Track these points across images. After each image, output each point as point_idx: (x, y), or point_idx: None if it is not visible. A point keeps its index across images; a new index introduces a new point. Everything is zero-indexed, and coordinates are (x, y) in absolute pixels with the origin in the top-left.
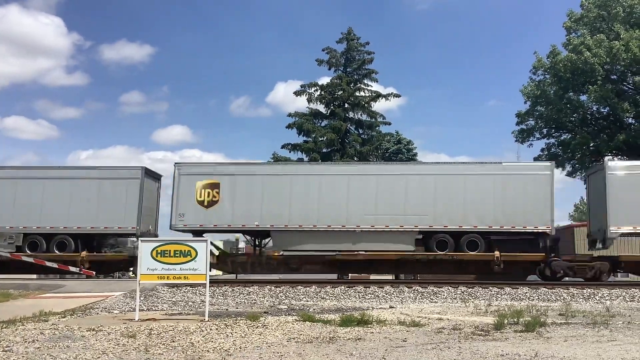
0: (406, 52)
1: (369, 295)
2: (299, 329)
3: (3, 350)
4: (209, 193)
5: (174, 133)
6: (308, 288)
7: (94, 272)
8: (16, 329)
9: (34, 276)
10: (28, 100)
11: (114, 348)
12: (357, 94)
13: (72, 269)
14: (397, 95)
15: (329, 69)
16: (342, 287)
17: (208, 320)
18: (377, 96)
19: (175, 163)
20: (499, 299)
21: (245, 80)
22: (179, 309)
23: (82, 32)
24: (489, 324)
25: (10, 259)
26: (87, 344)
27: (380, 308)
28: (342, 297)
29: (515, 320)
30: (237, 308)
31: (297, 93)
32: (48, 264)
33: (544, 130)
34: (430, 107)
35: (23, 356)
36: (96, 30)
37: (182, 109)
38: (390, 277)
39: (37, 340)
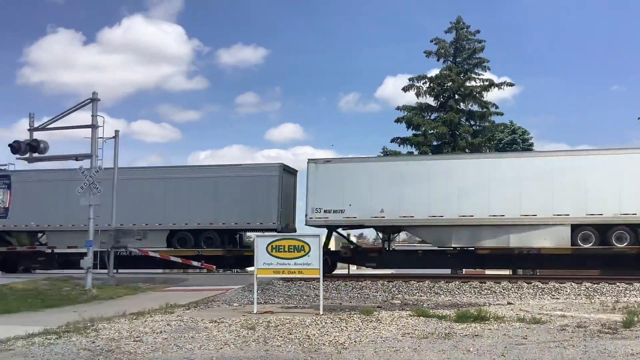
0: (520, 39)
1: (485, 290)
2: (413, 324)
3: (134, 341)
4: None
5: (286, 131)
6: (421, 283)
7: (214, 267)
8: (145, 320)
9: (160, 270)
10: (152, 105)
11: (235, 339)
12: (467, 84)
13: (194, 263)
14: (511, 84)
15: (438, 60)
16: (457, 282)
17: (323, 314)
18: (489, 85)
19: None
20: (628, 295)
21: (355, 77)
22: (294, 303)
23: (201, 39)
24: (617, 322)
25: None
26: (210, 335)
27: (498, 304)
28: (456, 293)
29: None
30: (350, 302)
31: (406, 88)
32: (172, 258)
33: None
34: (547, 95)
35: (152, 346)
36: (214, 36)
37: (293, 108)
38: (507, 272)
39: (165, 331)
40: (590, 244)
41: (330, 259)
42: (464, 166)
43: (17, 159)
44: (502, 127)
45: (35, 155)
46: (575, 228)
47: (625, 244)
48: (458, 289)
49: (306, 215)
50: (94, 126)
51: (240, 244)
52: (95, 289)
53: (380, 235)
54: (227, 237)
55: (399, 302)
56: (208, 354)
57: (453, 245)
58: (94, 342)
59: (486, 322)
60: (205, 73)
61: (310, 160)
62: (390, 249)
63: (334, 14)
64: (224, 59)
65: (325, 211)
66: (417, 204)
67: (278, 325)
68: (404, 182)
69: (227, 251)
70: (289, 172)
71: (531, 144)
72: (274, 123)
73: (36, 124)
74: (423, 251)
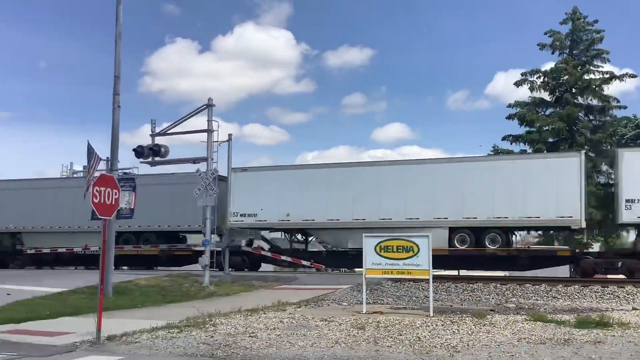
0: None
1: (608, 295)
2: (529, 329)
3: (249, 336)
4: None
5: (392, 131)
6: (537, 286)
7: (323, 266)
8: (259, 317)
9: (271, 268)
10: (262, 108)
11: (345, 338)
12: (585, 77)
13: (304, 262)
14: (633, 76)
15: (553, 53)
16: (576, 286)
17: (433, 316)
18: (609, 78)
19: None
20: None
21: (463, 73)
22: (403, 304)
23: (309, 42)
24: None
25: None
26: (321, 333)
27: (622, 309)
28: (576, 297)
29: None
30: (461, 305)
31: (518, 83)
32: (283, 258)
33: None
34: None
35: (266, 342)
36: (321, 39)
37: (400, 107)
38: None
39: (278, 328)
40: (466, 246)
41: (248, 258)
42: (358, 174)
43: (140, 162)
44: (625, 122)
45: (157, 159)
46: (454, 230)
47: (497, 246)
48: (578, 293)
49: (228, 219)
50: (209, 130)
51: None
52: (212, 285)
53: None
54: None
55: (514, 305)
56: (320, 352)
57: (350, 247)
58: (212, 336)
59: (609, 328)
60: (313, 76)
61: (232, 169)
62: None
63: (440, 10)
64: (330, 61)
65: (241, 215)
66: (317, 209)
67: (388, 326)
68: (306, 188)
69: (161, 251)
70: (222, 179)
71: None
72: (380, 123)
73: (157, 130)
74: (327, 252)
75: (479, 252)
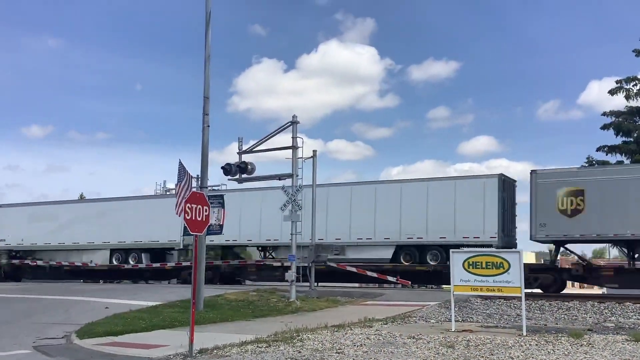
0: None
1: None
2: (631, 350)
3: (337, 352)
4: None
5: (479, 144)
6: (638, 305)
7: (410, 282)
8: (346, 333)
9: (357, 285)
10: (346, 124)
11: (434, 357)
12: None
13: (389, 278)
14: None
15: None
16: None
17: (526, 335)
18: None
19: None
20: None
21: (554, 83)
22: (494, 322)
23: (393, 57)
24: None
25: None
26: (409, 350)
27: None
28: None
29: None
30: (556, 324)
31: (613, 91)
32: (369, 273)
33: None
34: None
35: (353, 358)
36: (405, 54)
37: (487, 120)
38: None
39: (365, 345)
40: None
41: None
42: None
43: (228, 179)
44: None
45: (244, 176)
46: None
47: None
48: None
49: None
50: (294, 147)
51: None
52: (298, 301)
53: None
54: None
55: (613, 325)
56: None
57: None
58: (299, 351)
59: None
60: (397, 90)
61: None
62: None
63: (527, 18)
64: (414, 75)
65: None
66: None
67: (478, 345)
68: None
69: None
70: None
71: None
72: (466, 136)
73: (244, 147)
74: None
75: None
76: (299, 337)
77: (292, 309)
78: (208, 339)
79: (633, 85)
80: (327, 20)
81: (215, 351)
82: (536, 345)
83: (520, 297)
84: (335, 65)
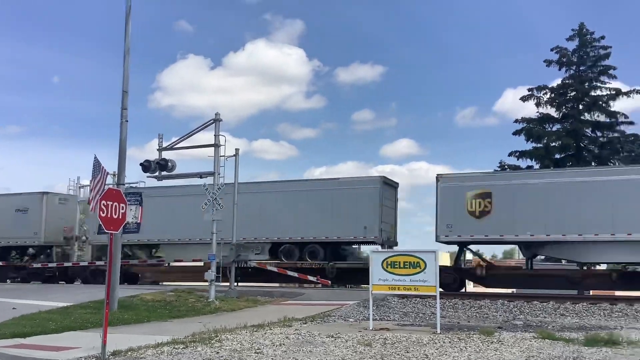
0: None
1: (616, 313)
2: (538, 347)
3: (255, 352)
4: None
5: (401, 147)
6: (545, 304)
7: (329, 282)
8: (265, 333)
9: (277, 284)
10: (272, 124)
11: (352, 355)
12: (592, 93)
13: (310, 278)
14: None
15: (560, 69)
16: (584, 304)
17: (440, 333)
18: (616, 94)
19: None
20: None
21: (472, 90)
22: (410, 320)
23: (321, 59)
24: None
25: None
26: (328, 349)
27: (632, 328)
28: (584, 315)
29: None
30: (468, 322)
31: (524, 98)
32: (290, 273)
33: None
34: None
35: (272, 358)
36: (333, 56)
37: (409, 124)
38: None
39: (284, 344)
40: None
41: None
42: None
43: (147, 177)
44: (631, 138)
45: (164, 173)
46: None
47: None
48: (586, 310)
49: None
50: (216, 145)
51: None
52: (217, 300)
53: None
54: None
55: (521, 323)
56: None
57: None
58: (217, 352)
59: (619, 346)
60: (323, 92)
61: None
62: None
63: (450, 27)
64: (341, 78)
65: None
66: None
67: (395, 343)
68: None
69: None
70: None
71: None
72: (389, 139)
73: (165, 144)
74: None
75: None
76: (217, 338)
77: (210, 309)
78: (122, 340)
79: (543, 94)
80: (256, 20)
81: (129, 353)
82: (449, 342)
83: (436, 296)
84: (262, 64)
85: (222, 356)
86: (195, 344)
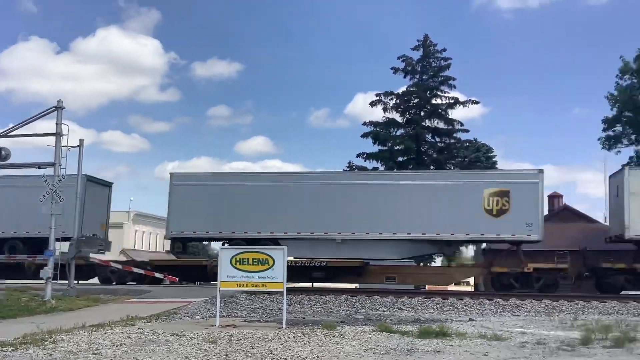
0: (490, 59)
1: (448, 306)
2: (376, 340)
3: (93, 353)
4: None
5: (255, 144)
6: (385, 298)
7: (177, 279)
8: (105, 333)
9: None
10: (123, 115)
11: (196, 353)
12: (433, 101)
13: (157, 275)
14: (476, 102)
15: (405, 77)
16: (420, 298)
17: (286, 328)
18: (454, 103)
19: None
20: (586, 312)
21: (326, 93)
22: (257, 316)
23: (178, 52)
24: (575, 339)
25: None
26: (171, 348)
27: (460, 320)
28: (419, 308)
29: (603, 335)
30: (313, 317)
31: (373, 103)
32: (135, 270)
33: (633, 137)
34: (514, 115)
35: (111, 359)
36: (190, 50)
37: (264, 121)
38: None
39: (125, 344)
40: None
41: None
42: None
43: None
44: (467, 145)
45: None
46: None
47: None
48: (421, 304)
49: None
50: (58, 134)
51: None
52: (54, 299)
53: None
54: None
55: (362, 317)
56: None
57: None
58: (51, 354)
59: (448, 338)
60: (179, 85)
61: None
62: None
63: (308, 31)
64: (198, 72)
65: None
66: None
67: (240, 339)
68: None
69: None
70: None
71: (495, 162)
72: (244, 136)
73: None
74: None
75: None
76: (52, 339)
77: (46, 309)
78: None
79: (390, 99)
80: (108, 6)
81: None
82: (294, 337)
83: (283, 292)
84: (115, 53)
85: (55, 358)
86: (26, 346)
